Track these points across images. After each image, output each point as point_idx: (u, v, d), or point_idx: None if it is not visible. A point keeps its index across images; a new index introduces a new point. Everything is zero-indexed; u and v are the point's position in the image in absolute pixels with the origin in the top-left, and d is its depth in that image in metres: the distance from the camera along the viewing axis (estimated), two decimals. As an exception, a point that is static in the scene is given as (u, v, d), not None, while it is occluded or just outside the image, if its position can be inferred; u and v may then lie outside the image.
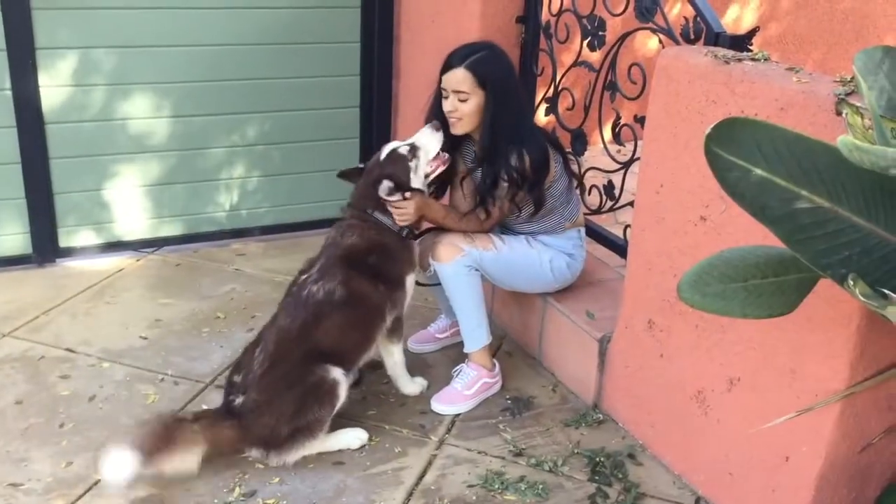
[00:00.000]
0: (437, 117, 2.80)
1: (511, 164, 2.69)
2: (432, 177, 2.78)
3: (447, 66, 2.73)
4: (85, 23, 3.50)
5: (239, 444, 2.48)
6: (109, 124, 3.68)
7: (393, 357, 2.84)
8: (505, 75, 2.75)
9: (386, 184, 2.64)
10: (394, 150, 2.73)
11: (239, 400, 2.49)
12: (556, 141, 2.91)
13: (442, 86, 2.75)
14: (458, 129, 2.77)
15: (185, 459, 2.36)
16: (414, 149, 2.73)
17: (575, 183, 3.00)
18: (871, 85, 1.55)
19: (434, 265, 2.81)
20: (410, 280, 2.76)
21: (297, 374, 2.48)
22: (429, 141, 2.75)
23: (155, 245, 3.96)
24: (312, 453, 2.54)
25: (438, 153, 2.76)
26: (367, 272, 2.62)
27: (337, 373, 2.52)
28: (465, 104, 2.71)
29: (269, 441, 2.46)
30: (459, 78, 2.69)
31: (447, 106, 2.74)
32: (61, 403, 2.76)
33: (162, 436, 2.33)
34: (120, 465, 2.25)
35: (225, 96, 3.85)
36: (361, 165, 2.85)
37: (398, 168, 2.70)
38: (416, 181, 2.72)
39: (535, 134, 2.81)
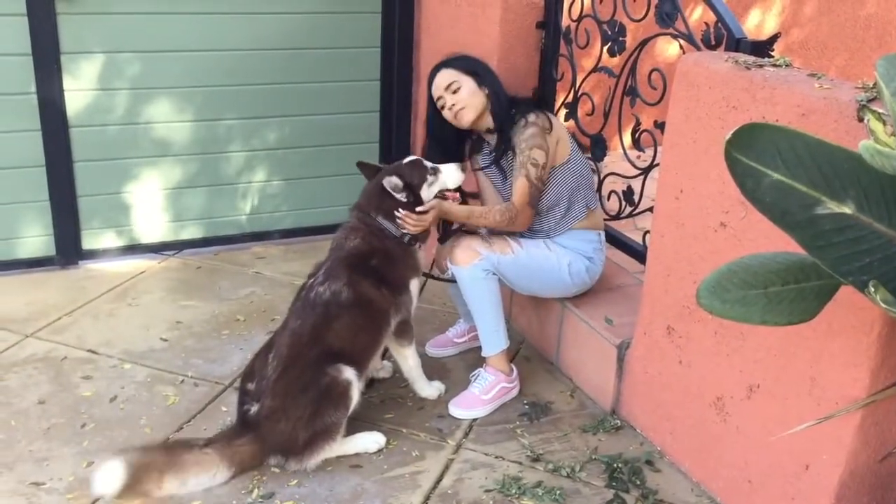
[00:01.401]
0: (434, 140, 2.94)
1: (528, 120, 2.78)
2: (432, 230, 2.82)
3: (431, 79, 2.88)
4: (109, 28, 3.55)
5: (259, 457, 2.49)
6: (132, 128, 3.73)
7: (407, 362, 2.86)
8: (485, 66, 2.91)
9: (395, 179, 2.67)
10: (418, 160, 2.78)
11: (254, 409, 2.50)
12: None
13: (435, 97, 2.87)
14: (465, 118, 2.85)
15: (200, 481, 2.38)
16: (437, 170, 2.77)
17: (592, 167, 3.09)
18: (893, 91, 1.54)
19: (452, 269, 2.82)
20: (415, 285, 2.77)
21: (309, 376, 2.49)
22: (452, 173, 2.79)
23: (176, 248, 3.99)
24: (331, 457, 2.55)
25: (453, 190, 2.80)
26: (370, 275, 2.63)
27: (349, 373, 2.53)
28: (459, 92, 2.82)
29: (287, 448, 2.47)
30: (445, 76, 2.83)
31: (448, 103, 2.83)
32: (83, 404, 2.79)
33: (165, 459, 2.34)
34: (110, 477, 2.24)
35: (246, 100, 3.88)
36: (381, 166, 2.87)
37: (415, 174, 2.73)
38: (425, 195, 2.74)
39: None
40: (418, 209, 2.69)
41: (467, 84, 2.82)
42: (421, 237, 2.75)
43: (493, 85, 2.86)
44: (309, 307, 2.58)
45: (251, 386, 2.55)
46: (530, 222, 2.86)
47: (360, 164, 2.85)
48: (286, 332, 2.58)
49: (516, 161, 2.79)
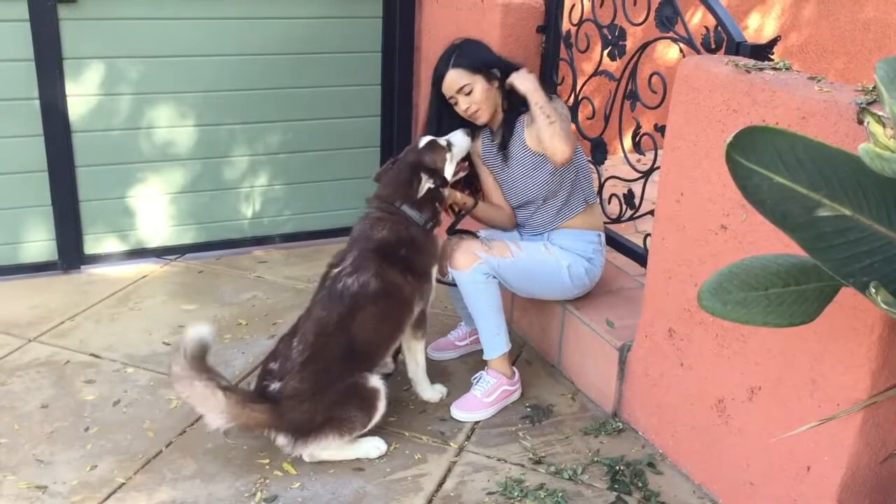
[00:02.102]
0: (431, 132, 2.92)
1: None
2: (453, 179, 2.85)
3: (440, 78, 2.87)
4: (111, 33, 3.56)
5: (266, 428, 2.51)
6: (135, 133, 3.74)
7: (415, 357, 2.87)
8: (487, 53, 2.92)
9: (425, 180, 2.71)
10: (433, 140, 2.81)
11: (275, 385, 2.52)
12: None
13: (446, 96, 2.88)
14: (482, 118, 2.89)
15: (212, 414, 2.44)
16: (451, 144, 2.82)
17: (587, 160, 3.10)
18: (892, 94, 1.55)
19: (452, 272, 2.83)
20: (434, 272, 2.81)
21: (339, 372, 2.53)
22: (462, 140, 2.85)
23: (178, 252, 4.00)
24: (332, 460, 2.56)
25: (462, 160, 2.86)
26: (398, 264, 2.66)
27: (376, 381, 2.59)
28: (473, 94, 2.84)
29: (300, 427, 2.49)
30: (454, 78, 2.83)
31: (462, 106, 2.86)
32: (86, 407, 2.80)
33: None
34: (202, 330, 2.42)
35: (248, 105, 3.89)
36: (390, 163, 2.89)
37: (437, 157, 2.78)
38: (448, 172, 2.79)
39: None
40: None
41: (479, 85, 2.83)
42: (436, 220, 2.79)
43: (501, 74, 2.87)
44: (336, 298, 2.59)
45: (274, 366, 2.58)
46: (574, 146, 2.82)
47: (378, 178, 2.88)
48: (311, 320, 2.59)
49: (546, 118, 2.76)
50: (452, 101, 2.87)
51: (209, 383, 2.42)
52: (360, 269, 2.61)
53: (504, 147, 2.93)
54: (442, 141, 2.81)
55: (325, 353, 2.53)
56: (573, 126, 3.31)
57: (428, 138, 2.83)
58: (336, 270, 2.66)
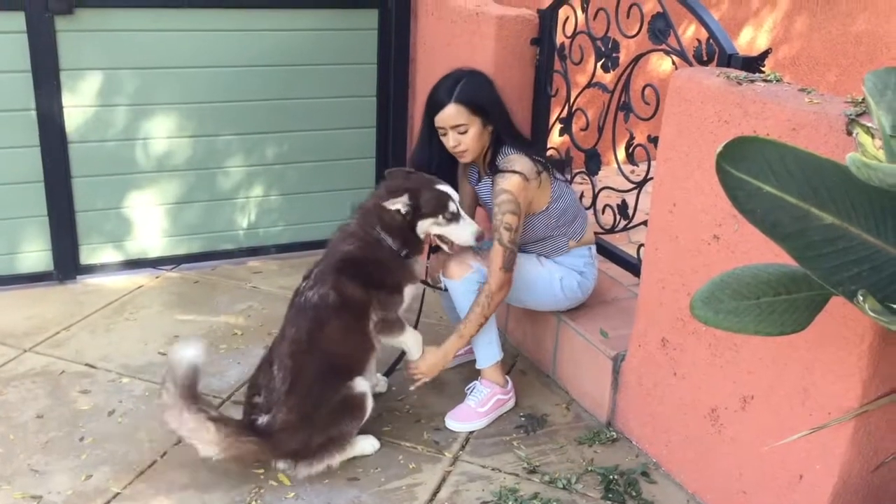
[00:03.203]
0: (426, 164, 2.85)
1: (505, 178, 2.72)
2: (426, 245, 2.73)
3: (437, 106, 2.75)
4: (108, 45, 3.58)
5: (262, 458, 2.52)
6: (131, 143, 3.75)
7: (406, 344, 2.78)
8: (491, 94, 2.82)
9: (404, 200, 2.58)
10: (446, 194, 2.66)
11: (263, 419, 2.52)
12: (557, 163, 2.97)
13: (437, 126, 2.78)
14: (467, 158, 2.83)
15: (203, 445, 2.43)
16: (456, 218, 2.66)
17: (577, 196, 3.05)
18: (880, 105, 1.58)
19: (445, 282, 2.84)
20: (409, 290, 2.70)
21: (323, 392, 2.52)
22: (467, 234, 2.68)
23: (173, 262, 4.01)
24: (334, 463, 2.58)
25: (456, 246, 2.73)
26: (358, 278, 2.59)
27: (362, 384, 2.59)
28: (466, 135, 2.75)
29: (299, 454, 2.51)
30: (453, 113, 2.73)
31: (449, 142, 2.78)
32: (81, 418, 2.80)
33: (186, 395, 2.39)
34: (191, 354, 2.38)
35: (243, 117, 3.91)
36: (410, 170, 2.81)
37: (431, 204, 2.62)
38: (422, 227, 2.64)
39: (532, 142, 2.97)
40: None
41: (474, 127, 2.74)
42: (417, 251, 2.71)
43: (497, 122, 2.79)
44: (301, 312, 2.59)
45: (258, 399, 2.57)
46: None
47: (389, 172, 2.78)
48: (285, 342, 2.59)
49: (492, 220, 2.74)
50: (441, 131, 2.78)
51: (199, 415, 2.40)
52: (319, 283, 2.59)
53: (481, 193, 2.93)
54: (453, 206, 2.64)
55: (304, 375, 2.52)
56: (567, 137, 3.34)
57: (449, 190, 2.67)
58: (302, 284, 2.66)
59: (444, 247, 2.73)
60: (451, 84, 2.76)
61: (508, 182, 2.70)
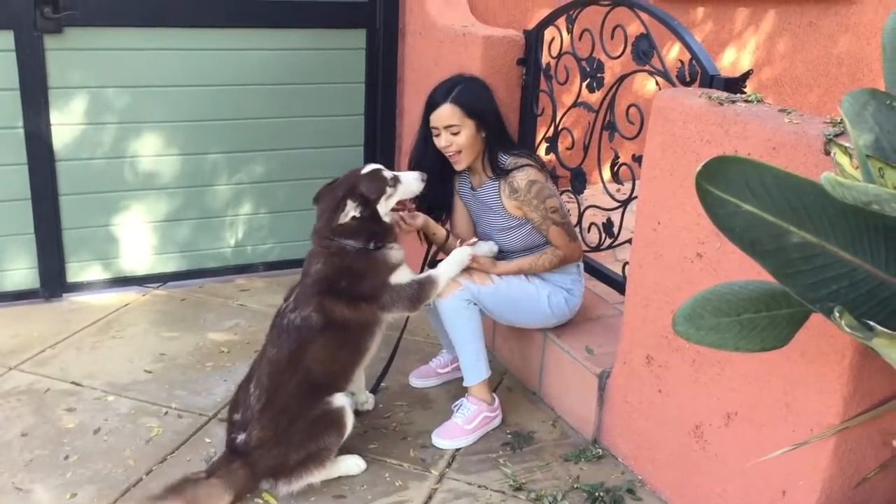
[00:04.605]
0: (418, 162, 2.91)
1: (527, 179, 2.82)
2: (388, 217, 2.71)
3: (432, 105, 2.83)
4: (96, 63, 3.60)
5: (252, 481, 2.51)
6: (118, 162, 3.76)
7: (458, 265, 2.81)
8: (488, 101, 2.89)
9: (350, 205, 2.61)
10: (378, 170, 2.71)
11: (241, 437, 2.52)
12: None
13: (431, 125, 2.85)
14: (460, 164, 2.87)
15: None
16: (396, 180, 2.71)
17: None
18: (857, 126, 1.61)
19: (433, 300, 2.85)
20: (396, 277, 2.68)
21: (300, 407, 2.52)
22: (412, 182, 2.74)
23: (160, 280, 4.01)
24: (317, 481, 2.57)
25: (410, 200, 2.78)
26: (341, 296, 2.60)
27: (340, 399, 2.58)
28: (458, 136, 2.80)
29: (278, 470, 2.50)
30: (447, 113, 2.79)
31: (441, 142, 2.83)
32: (66, 436, 2.79)
33: (183, 500, 2.37)
34: None
35: (232, 135, 3.93)
36: (329, 182, 2.80)
37: (373, 187, 2.65)
38: (383, 208, 2.67)
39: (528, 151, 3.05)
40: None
41: (467, 129, 2.79)
42: (388, 238, 2.69)
43: (491, 128, 2.85)
44: (284, 334, 2.60)
45: (237, 417, 2.57)
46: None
47: (317, 198, 2.77)
48: (264, 362, 2.60)
49: (535, 216, 2.82)
50: (435, 132, 2.84)
51: (203, 488, 2.41)
52: (300, 305, 2.60)
53: (481, 200, 2.96)
54: (388, 173, 2.70)
55: (280, 393, 2.52)
56: (553, 156, 3.37)
57: (374, 166, 2.73)
58: (283, 306, 2.67)
59: (402, 223, 2.79)
60: (450, 86, 2.84)
61: (528, 174, 2.83)
